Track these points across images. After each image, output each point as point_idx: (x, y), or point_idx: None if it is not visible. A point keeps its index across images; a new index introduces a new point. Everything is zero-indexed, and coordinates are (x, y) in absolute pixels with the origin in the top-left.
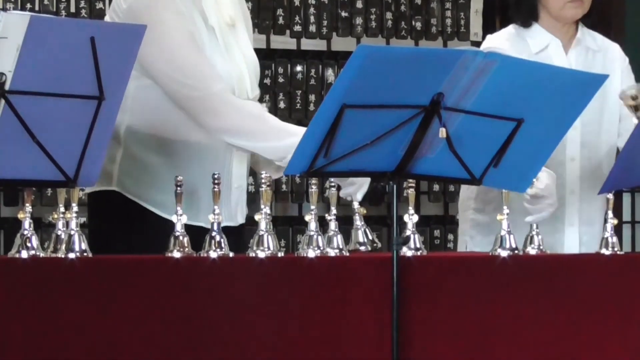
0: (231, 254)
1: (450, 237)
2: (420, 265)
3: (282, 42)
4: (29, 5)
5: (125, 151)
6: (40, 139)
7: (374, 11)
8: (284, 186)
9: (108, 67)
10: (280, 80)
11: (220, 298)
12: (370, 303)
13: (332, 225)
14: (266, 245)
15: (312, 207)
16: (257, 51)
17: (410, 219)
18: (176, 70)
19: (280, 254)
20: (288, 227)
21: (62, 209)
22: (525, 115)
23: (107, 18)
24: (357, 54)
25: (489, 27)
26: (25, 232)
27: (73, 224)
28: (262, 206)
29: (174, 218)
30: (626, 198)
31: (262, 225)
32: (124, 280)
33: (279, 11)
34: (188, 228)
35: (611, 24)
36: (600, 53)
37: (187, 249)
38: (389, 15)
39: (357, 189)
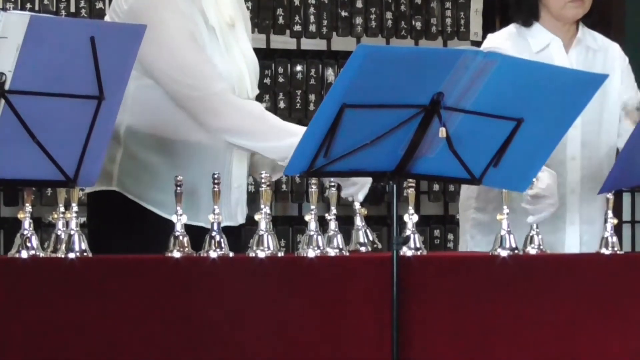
0: (231, 254)
1: (450, 236)
2: (420, 265)
3: (282, 41)
4: (28, 5)
5: (125, 151)
6: (40, 139)
7: (373, 11)
8: (283, 186)
9: (108, 66)
10: (280, 80)
11: (220, 298)
12: (370, 303)
13: (332, 225)
14: (266, 245)
15: (312, 206)
16: (257, 51)
17: (410, 218)
18: (177, 70)
19: (280, 254)
20: (288, 227)
21: (62, 209)
22: (525, 115)
23: (107, 18)
24: (357, 53)
25: (489, 26)
26: (25, 232)
27: (73, 224)
28: (262, 206)
29: (173, 218)
30: (626, 198)
31: (262, 225)
32: (124, 280)
33: (279, 11)
34: (188, 228)
35: (611, 24)
36: (601, 53)
37: (187, 249)
38: (389, 14)
39: (358, 189)
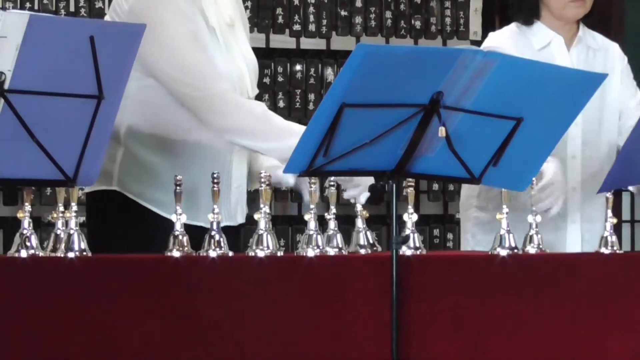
0: (230, 254)
1: (450, 236)
2: (420, 264)
3: (282, 41)
4: (28, 5)
5: (125, 151)
6: (39, 138)
7: (373, 10)
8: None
9: (107, 66)
10: (280, 79)
11: (220, 297)
12: (370, 302)
13: (332, 224)
14: (265, 245)
15: (312, 206)
16: (256, 50)
17: (410, 218)
18: (177, 70)
19: (280, 253)
20: (287, 226)
21: (61, 208)
22: (525, 114)
23: (107, 18)
24: (356, 53)
25: (489, 26)
26: (25, 232)
27: (72, 223)
28: (262, 205)
29: (173, 217)
30: (626, 197)
31: (262, 225)
32: (123, 280)
33: (279, 10)
34: (188, 228)
35: (610, 24)
36: (601, 52)
37: (186, 248)
38: (388, 14)
39: (361, 191)
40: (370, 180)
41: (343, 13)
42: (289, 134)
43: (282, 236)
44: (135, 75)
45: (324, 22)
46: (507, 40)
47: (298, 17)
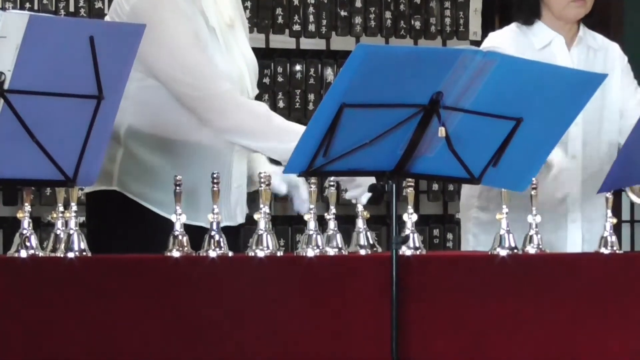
0: (230, 254)
1: (450, 236)
2: (420, 264)
3: (281, 41)
4: (28, 5)
5: (125, 151)
6: (39, 139)
7: (373, 10)
8: None
9: (107, 66)
10: (280, 79)
11: (220, 297)
12: (370, 302)
13: (331, 224)
14: (265, 245)
15: (312, 206)
16: (256, 50)
17: (410, 218)
18: (177, 70)
19: (280, 254)
20: (287, 226)
21: (61, 209)
22: (524, 114)
23: (107, 19)
24: (356, 53)
25: (488, 26)
26: (24, 232)
27: (72, 224)
28: (261, 205)
29: (173, 217)
30: (625, 197)
31: (262, 225)
32: (123, 280)
33: (278, 10)
34: (188, 228)
35: (610, 23)
36: (601, 52)
37: (186, 249)
38: (388, 14)
39: (362, 191)
40: (372, 180)
41: (343, 13)
42: (292, 134)
43: (282, 236)
44: (136, 75)
45: (324, 22)
46: (507, 40)
47: (298, 17)
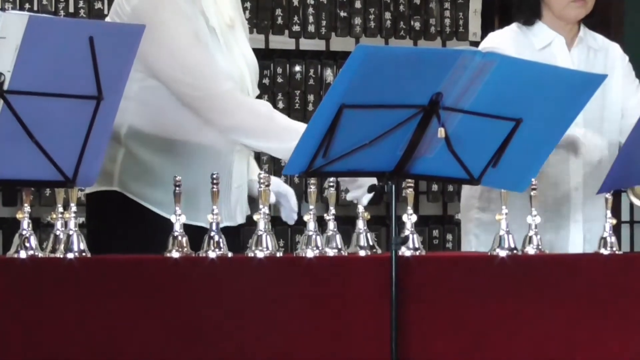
0: (230, 254)
1: (449, 237)
2: (419, 265)
3: (281, 42)
4: (27, 5)
5: (126, 151)
6: (38, 139)
7: (372, 11)
8: None
9: (107, 67)
10: (279, 80)
11: (219, 298)
12: (369, 303)
13: (331, 225)
14: (265, 245)
15: (311, 207)
16: (256, 51)
17: (409, 218)
18: (177, 70)
19: (279, 254)
20: (287, 227)
21: (60, 209)
22: (524, 115)
23: (108, 20)
24: (355, 54)
25: (488, 27)
26: (24, 232)
27: (72, 224)
28: (261, 206)
29: (172, 218)
30: (625, 198)
31: (261, 225)
32: (122, 280)
33: (278, 11)
34: (188, 228)
35: (610, 24)
36: (602, 52)
37: (185, 249)
38: (387, 15)
39: (364, 192)
40: (373, 180)
41: (342, 14)
42: (291, 133)
43: (282, 237)
44: (137, 76)
45: (323, 23)
46: (507, 39)
47: (297, 18)
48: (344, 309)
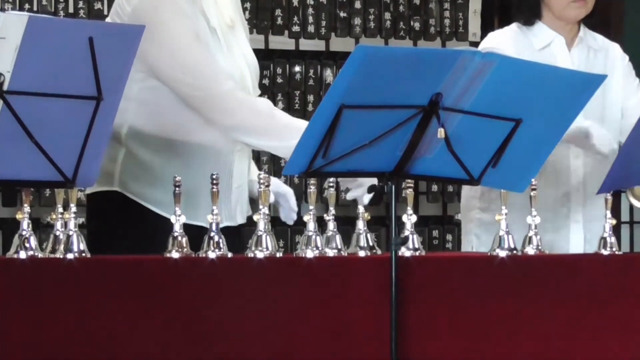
0: (230, 254)
1: (449, 237)
2: (419, 265)
3: (281, 42)
4: (27, 6)
5: (126, 151)
6: (38, 140)
7: (372, 11)
8: None
9: (106, 67)
10: (279, 80)
11: (219, 298)
12: (369, 303)
13: (331, 225)
14: (265, 246)
15: (311, 207)
16: (256, 51)
17: (409, 219)
18: (178, 70)
19: (279, 255)
20: (287, 227)
21: (60, 210)
22: (524, 115)
23: (108, 20)
24: (355, 54)
25: (488, 27)
26: (24, 233)
27: (71, 225)
28: (261, 206)
29: (172, 218)
30: (624, 198)
31: (261, 226)
32: (122, 281)
33: (278, 11)
34: (189, 228)
35: (610, 24)
36: (602, 52)
37: (185, 249)
38: (387, 15)
39: (364, 191)
40: (373, 180)
41: (342, 14)
42: (292, 131)
43: (282, 237)
44: (137, 76)
45: (323, 23)
46: (507, 39)
47: (297, 18)
48: (344, 309)
